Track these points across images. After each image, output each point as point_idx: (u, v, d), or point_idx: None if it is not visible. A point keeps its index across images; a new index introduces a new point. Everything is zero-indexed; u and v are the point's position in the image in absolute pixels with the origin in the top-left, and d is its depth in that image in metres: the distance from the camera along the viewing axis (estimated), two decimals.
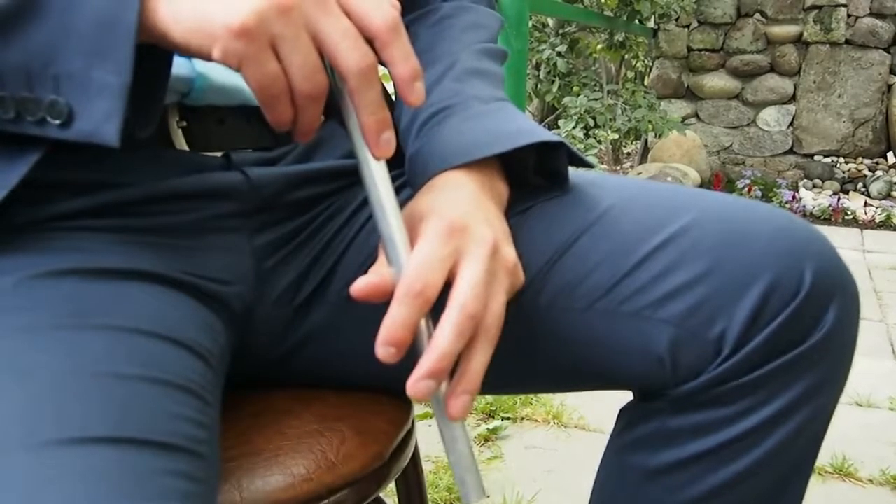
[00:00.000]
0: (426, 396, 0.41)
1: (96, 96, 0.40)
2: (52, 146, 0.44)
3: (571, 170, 0.57)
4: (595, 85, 4.38)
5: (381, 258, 0.46)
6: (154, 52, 0.43)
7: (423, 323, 0.43)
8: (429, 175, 0.53)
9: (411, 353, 0.43)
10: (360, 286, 0.44)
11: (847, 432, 1.58)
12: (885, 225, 3.99)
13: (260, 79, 0.39)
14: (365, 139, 0.43)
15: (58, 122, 0.41)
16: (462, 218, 0.47)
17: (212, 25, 0.38)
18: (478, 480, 0.43)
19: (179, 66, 0.52)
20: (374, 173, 0.44)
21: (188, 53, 0.40)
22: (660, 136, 4.20)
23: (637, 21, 4.31)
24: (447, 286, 0.44)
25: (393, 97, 0.52)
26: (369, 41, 0.42)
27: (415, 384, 0.41)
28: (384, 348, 0.41)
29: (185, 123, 0.54)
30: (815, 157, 4.74)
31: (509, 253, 0.48)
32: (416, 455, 0.70)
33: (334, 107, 0.44)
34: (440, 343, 0.41)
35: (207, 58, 0.40)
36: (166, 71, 0.45)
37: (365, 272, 0.45)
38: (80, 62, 0.40)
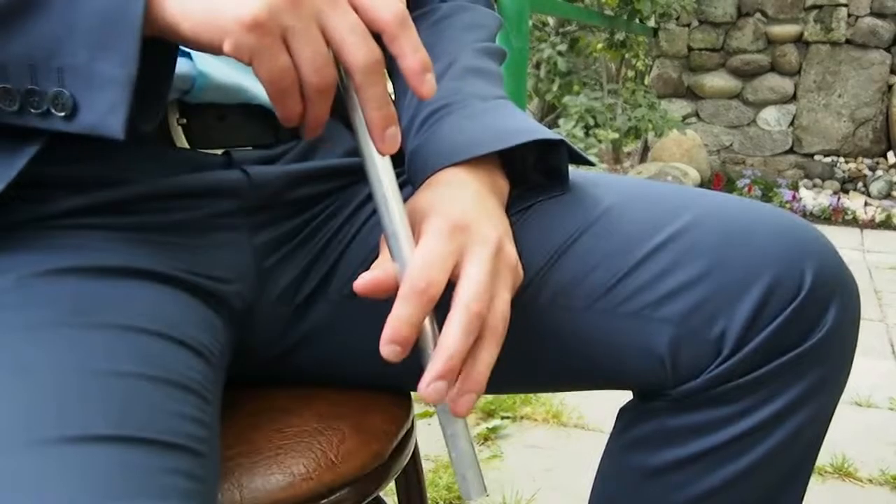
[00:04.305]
0: (439, 399, 0.41)
1: (100, 89, 0.40)
2: (53, 142, 0.44)
3: (572, 169, 0.57)
4: (595, 84, 4.38)
5: (385, 253, 0.46)
6: (159, 45, 0.42)
7: (427, 321, 0.43)
8: (429, 172, 0.53)
9: (413, 351, 0.43)
10: (364, 282, 0.44)
11: (847, 432, 1.58)
12: (885, 225, 3.99)
13: (271, 72, 0.39)
14: (370, 134, 0.43)
15: (62, 114, 0.41)
16: (464, 216, 0.47)
17: (222, 19, 0.38)
18: (479, 477, 0.43)
19: (180, 64, 0.51)
20: (379, 169, 0.44)
21: (197, 48, 0.40)
22: (660, 136, 4.20)
23: (637, 20, 4.31)
24: (452, 284, 0.44)
25: (392, 97, 0.52)
26: (376, 36, 0.42)
27: (427, 387, 0.41)
28: (389, 346, 0.41)
29: (185, 121, 0.54)
30: (816, 157, 4.73)
31: (511, 251, 0.48)
32: (415, 454, 0.70)
33: (336, 104, 0.44)
34: (448, 344, 0.41)
35: (217, 52, 0.39)
36: (171, 64, 0.45)
37: (367, 269, 0.45)
38: (84, 55, 0.40)
